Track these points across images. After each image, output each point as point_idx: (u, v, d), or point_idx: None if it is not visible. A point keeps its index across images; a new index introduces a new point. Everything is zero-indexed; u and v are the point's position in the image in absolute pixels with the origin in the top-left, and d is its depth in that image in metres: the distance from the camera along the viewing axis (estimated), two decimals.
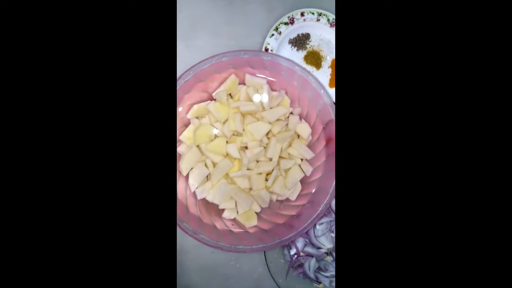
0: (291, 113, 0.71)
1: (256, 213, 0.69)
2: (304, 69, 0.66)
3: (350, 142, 0.37)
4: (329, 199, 0.66)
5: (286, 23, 0.74)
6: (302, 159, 0.71)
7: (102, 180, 0.36)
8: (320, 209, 0.66)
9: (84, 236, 0.35)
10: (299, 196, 0.71)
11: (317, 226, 0.72)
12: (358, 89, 0.37)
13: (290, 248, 0.72)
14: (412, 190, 0.36)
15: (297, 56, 0.77)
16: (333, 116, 0.66)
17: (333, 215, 0.72)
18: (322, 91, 0.66)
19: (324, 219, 0.72)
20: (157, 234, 0.37)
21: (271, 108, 0.68)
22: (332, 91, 0.77)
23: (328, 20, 0.75)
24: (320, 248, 0.72)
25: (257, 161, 0.69)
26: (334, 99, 0.75)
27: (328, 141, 0.69)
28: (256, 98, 0.67)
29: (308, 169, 0.70)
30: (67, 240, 0.35)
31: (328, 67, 0.79)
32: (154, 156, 0.37)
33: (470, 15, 0.35)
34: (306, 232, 0.69)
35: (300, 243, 0.72)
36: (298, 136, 0.71)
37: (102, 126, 0.36)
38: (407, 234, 0.35)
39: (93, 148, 0.35)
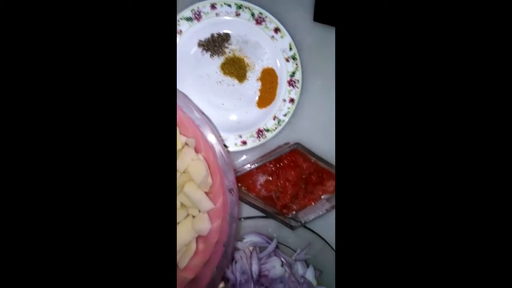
0: (186, 144, 0.50)
1: None
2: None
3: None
4: None
5: (189, 19, 0.54)
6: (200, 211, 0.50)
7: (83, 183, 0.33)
8: None
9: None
10: (191, 264, 0.49)
11: None
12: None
13: None
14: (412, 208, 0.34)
15: (212, 64, 0.56)
16: (230, 186, 0.44)
17: None
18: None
19: None
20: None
21: None
22: (255, 114, 0.56)
23: (253, 14, 0.54)
24: None
25: None
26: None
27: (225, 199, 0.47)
28: None
29: (204, 227, 0.49)
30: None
31: (257, 80, 0.57)
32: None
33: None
34: None
35: None
36: None
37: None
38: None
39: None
